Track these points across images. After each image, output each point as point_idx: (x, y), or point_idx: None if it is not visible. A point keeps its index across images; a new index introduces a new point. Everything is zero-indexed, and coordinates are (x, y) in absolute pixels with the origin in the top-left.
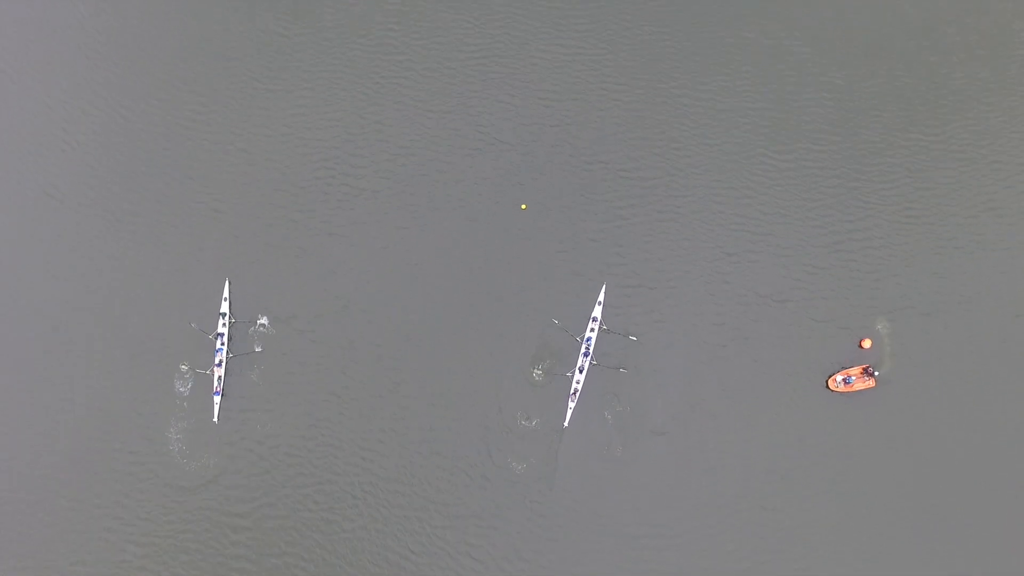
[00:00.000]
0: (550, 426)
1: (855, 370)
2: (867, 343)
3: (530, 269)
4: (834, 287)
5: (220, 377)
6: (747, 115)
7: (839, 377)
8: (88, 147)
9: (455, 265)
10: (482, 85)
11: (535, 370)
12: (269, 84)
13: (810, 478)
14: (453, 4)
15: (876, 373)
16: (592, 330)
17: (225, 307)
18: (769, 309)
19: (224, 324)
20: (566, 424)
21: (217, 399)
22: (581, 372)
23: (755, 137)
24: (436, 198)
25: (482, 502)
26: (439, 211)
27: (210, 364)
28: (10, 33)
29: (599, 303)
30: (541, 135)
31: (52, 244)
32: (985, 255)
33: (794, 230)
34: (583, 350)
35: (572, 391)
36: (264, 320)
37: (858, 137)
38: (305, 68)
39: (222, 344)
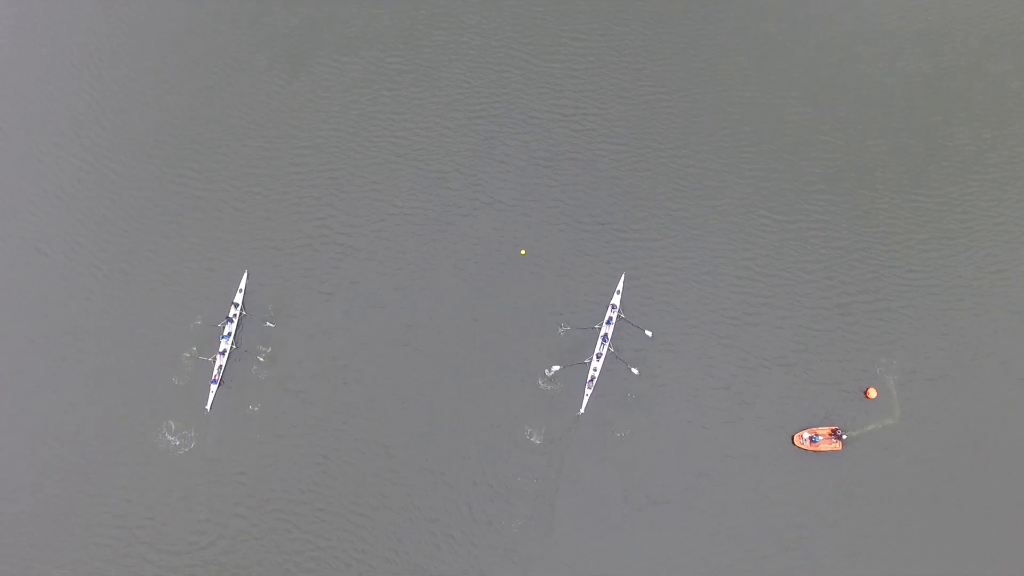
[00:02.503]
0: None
1: (824, 430)
2: (872, 392)
3: (528, 327)
4: (836, 348)
5: (221, 366)
6: (746, 176)
7: (806, 435)
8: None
9: (451, 323)
10: (479, 144)
11: (527, 429)
12: (264, 142)
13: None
14: (450, 64)
15: (844, 436)
16: (610, 319)
17: (239, 298)
18: (770, 372)
19: (235, 315)
20: (582, 411)
21: (214, 387)
22: (599, 359)
23: (755, 198)
24: (433, 256)
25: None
26: (435, 268)
27: (213, 352)
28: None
29: (617, 291)
30: (538, 195)
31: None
32: (991, 317)
33: (795, 292)
34: (601, 336)
35: (589, 378)
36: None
37: (860, 198)
38: (301, 126)
39: (229, 333)
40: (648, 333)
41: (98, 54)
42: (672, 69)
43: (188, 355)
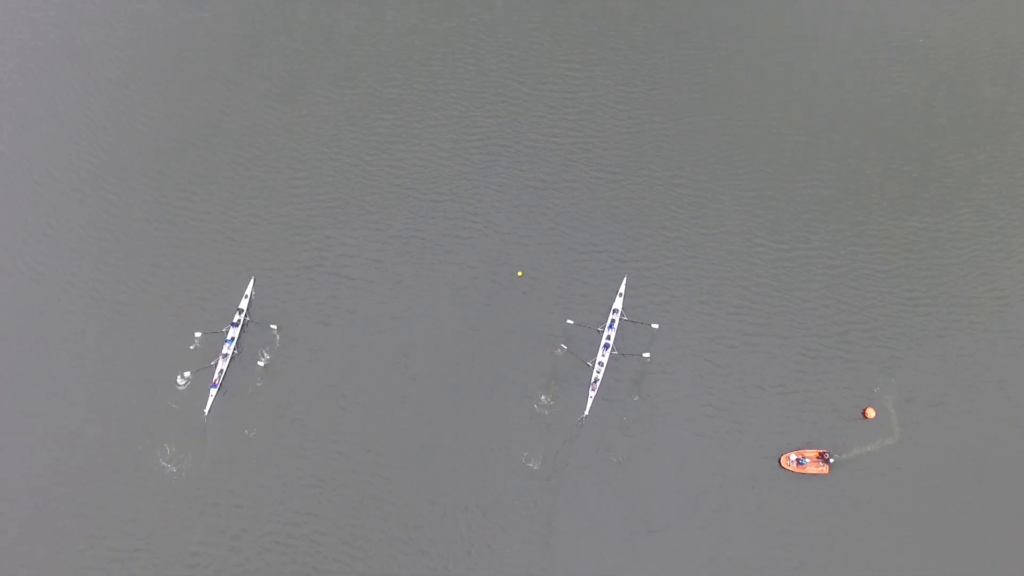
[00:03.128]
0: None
1: (811, 453)
2: (871, 412)
3: (525, 352)
4: (834, 371)
5: (222, 371)
6: (743, 202)
7: (792, 456)
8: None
9: (448, 349)
10: (476, 171)
11: (524, 453)
12: (262, 170)
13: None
14: (447, 91)
15: (832, 460)
16: (612, 322)
17: (245, 303)
18: (766, 395)
19: (239, 321)
20: (586, 413)
21: (213, 391)
22: (602, 366)
23: (751, 223)
24: (430, 282)
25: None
26: (432, 295)
27: (216, 356)
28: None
29: (620, 294)
30: (535, 221)
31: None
32: (989, 339)
33: (792, 316)
34: (603, 342)
35: (592, 380)
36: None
37: (856, 222)
38: (299, 153)
39: (232, 338)
40: (655, 326)
41: (97, 81)
42: (667, 96)
43: (181, 381)
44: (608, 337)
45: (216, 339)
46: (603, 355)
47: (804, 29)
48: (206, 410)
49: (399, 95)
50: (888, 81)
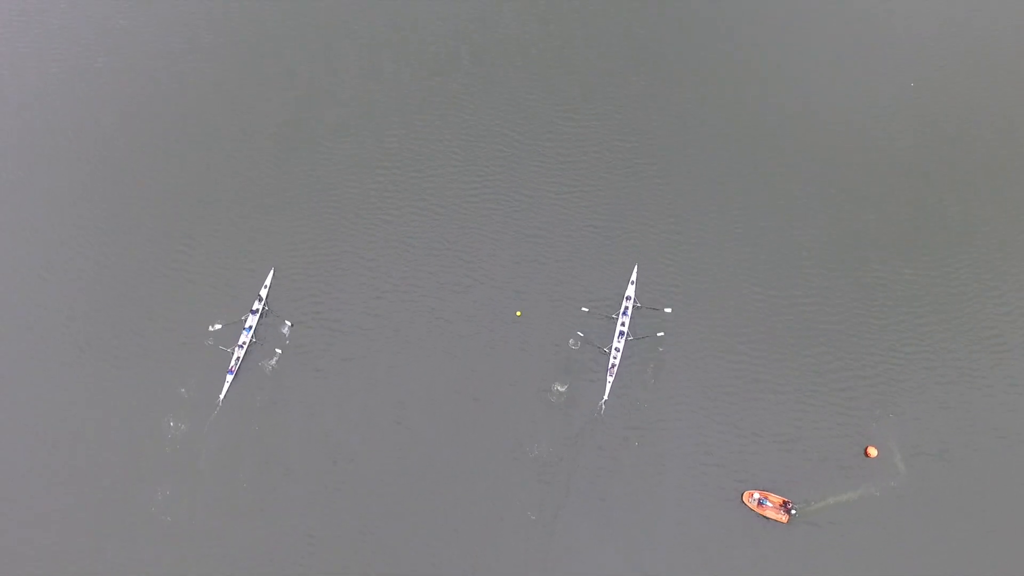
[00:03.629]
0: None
1: (775, 498)
2: (873, 451)
3: (521, 404)
4: (832, 418)
5: (238, 358)
6: (740, 251)
7: (756, 495)
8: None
9: (443, 400)
10: (472, 221)
11: (526, 511)
12: (259, 220)
13: None
14: (442, 144)
15: (794, 512)
16: (626, 309)
17: (264, 292)
18: (764, 443)
19: (257, 309)
20: (605, 397)
21: (229, 378)
22: (618, 351)
23: (747, 273)
24: (426, 333)
25: None
26: (428, 345)
27: (233, 344)
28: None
29: (632, 282)
30: (530, 271)
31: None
32: (990, 391)
33: (792, 368)
34: (618, 328)
35: (610, 365)
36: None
37: (852, 272)
38: (296, 205)
39: (251, 325)
40: (668, 310)
41: (97, 131)
42: (662, 148)
43: (172, 423)
44: (623, 324)
45: (235, 327)
46: (619, 341)
47: (800, 78)
48: (221, 396)
49: (398, 146)
50: (884, 130)
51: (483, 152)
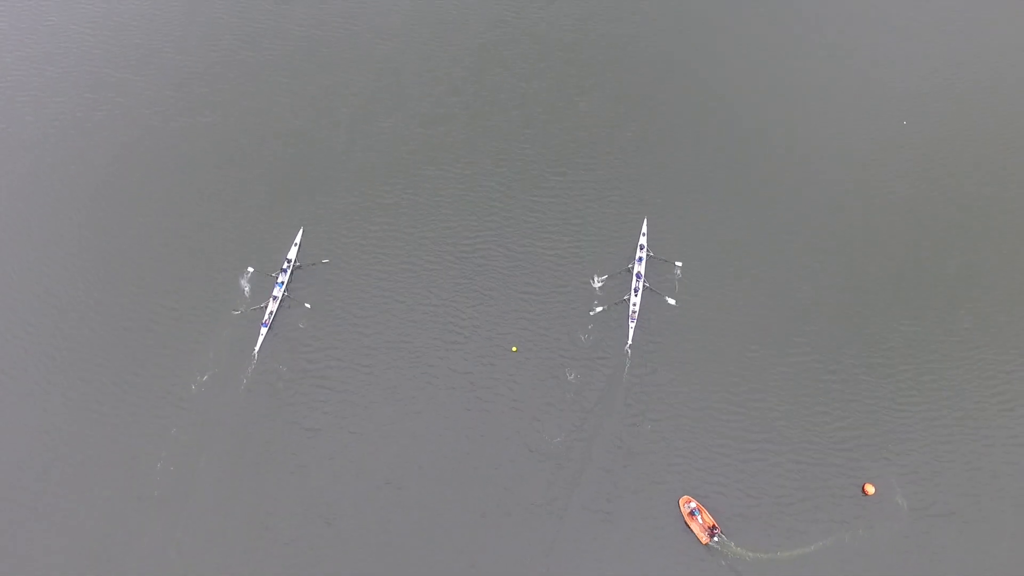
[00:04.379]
0: None
1: (708, 517)
2: (870, 488)
3: (515, 466)
4: (831, 478)
5: (271, 312)
6: (738, 308)
7: (693, 504)
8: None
9: (436, 463)
10: (464, 276)
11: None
12: (256, 268)
13: None
14: (438, 196)
15: (716, 540)
16: (640, 258)
17: (294, 251)
18: (769, 506)
19: (288, 266)
20: (629, 342)
21: (263, 331)
22: (636, 294)
23: (747, 331)
24: (418, 393)
25: None
26: (421, 407)
27: (266, 298)
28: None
29: (643, 233)
30: (523, 327)
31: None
32: (992, 444)
33: (787, 431)
34: (635, 274)
35: (631, 312)
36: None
37: (852, 328)
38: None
39: (283, 281)
40: (678, 264)
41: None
42: (658, 200)
43: (205, 377)
44: (639, 274)
45: (268, 282)
46: (636, 284)
47: (795, 133)
48: (256, 348)
49: (396, 201)
50: (878, 176)
51: (477, 202)
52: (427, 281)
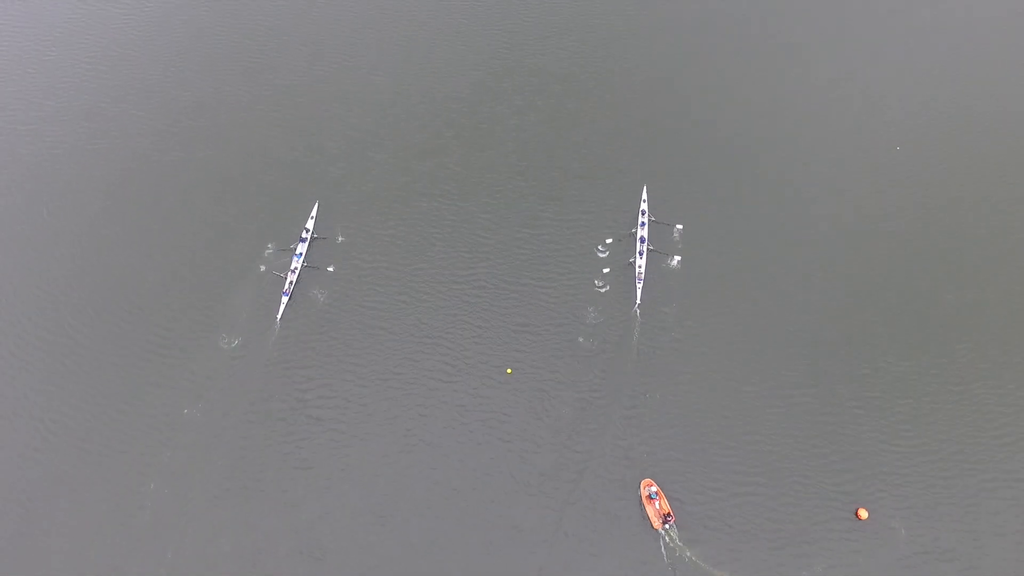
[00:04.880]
0: None
1: (665, 505)
2: (863, 513)
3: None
4: (831, 514)
5: (292, 282)
6: (735, 350)
7: (653, 488)
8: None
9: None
10: (456, 312)
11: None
12: (248, 298)
13: None
14: (429, 230)
15: (667, 527)
16: (643, 223)
17: (311, 224)
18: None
19: (306, 237)
20: (638, 302)
21: (284, 299)
22: (641, 256)
23: (743, 371)
24: (408, 432)
25: None
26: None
27: (286, 268)
28: None
29: (644, 199)
30: (514, 362)
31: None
32: (993, 489)
33: (783, 463)
34: (639, 237)
35: (637, 275)
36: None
37: (848, 366)
38: (278, 295)
39: (301, 251)
40: (679, 227)
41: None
42: (652, 233)
43: (235, 342)
44: (642, 238)
45: (286, 254)
46: (641, 247)
47: (791, 169)
48: (278, 316)
49: (393, 234)
50: (877, 224)
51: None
52: (420, 312)
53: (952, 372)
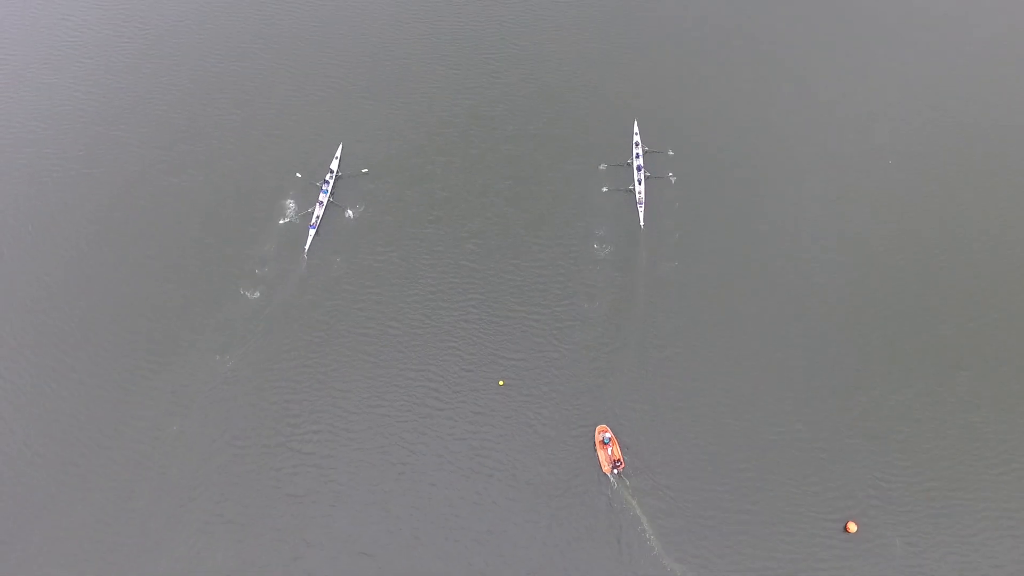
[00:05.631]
0: None
1: (617, 451)
2: (852, 527)
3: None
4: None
5: (318, 216)
6: (733, 389)
7: (608, 435)
8: None
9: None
10: (446, 362)
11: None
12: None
13: None
14: (413, 280)
15: (616, 471)
16: (638, 154)
17: (335, 164)
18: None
19: (331, 176)
20: (642, 224)
21: (312, 232)
22: (640, 183)
23: (729, 403)
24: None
25: None
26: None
27: (313, 203)
28: None
29: (636, 132)
30: (504, 411)
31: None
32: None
33: (781, 509)
34: (636, 166)
35: (638, 200)
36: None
37: (845, 403)
38: (267, 334)
39: (326, 188)
40: (670, 152)
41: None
42: (646, 276)
43: (261, 270)
44: (639, 167)
45: (313, 190)
46: (639, 175)
47: (786, 204)
48: (306, 248)
49: (386, 261)
50: (870, 247)
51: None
52: (406, 345)
53: (952, 407)
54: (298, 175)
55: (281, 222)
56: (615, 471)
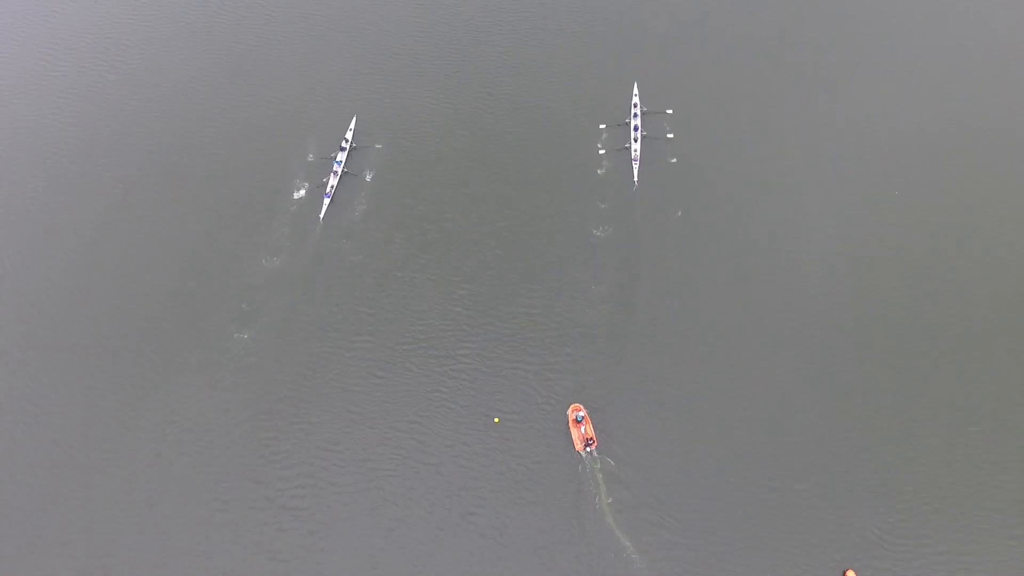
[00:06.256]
0: None
1: (590, 429)
2: (851, 575)
3: None
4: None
5: (332, 186)
6: (732, 431)
7: (582, 413)
8: None
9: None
10: (433, 401)
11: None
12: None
13: None
14: (405, 308)
15: (588, 450)
16: (636, 115)
17: (349, 135)
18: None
19: (345, 147)
20: (636, 181)
21: (326, 201)
22: (636, 142)
23: (736, 450)
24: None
25: None
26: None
27: (327, 173)
28: None
29: (635, 94)
30: (492, 457)
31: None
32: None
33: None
34: (633, 125)
35: (633, 157)
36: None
37: (843, 450)
38: (263, 373)
39: (340, 159)
40: (669, 111)
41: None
42: (643, 304)
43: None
44: (636, 127)
45: (327, 162)
46: (635, 135)
47: (784, 238)
48: (321, 215)
49: (379, 294)
50: (869, 285)
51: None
52: (398, 390)
53: (951, 458)
54: (309, 157)
55: (295, 196)
56: (587, 449)
